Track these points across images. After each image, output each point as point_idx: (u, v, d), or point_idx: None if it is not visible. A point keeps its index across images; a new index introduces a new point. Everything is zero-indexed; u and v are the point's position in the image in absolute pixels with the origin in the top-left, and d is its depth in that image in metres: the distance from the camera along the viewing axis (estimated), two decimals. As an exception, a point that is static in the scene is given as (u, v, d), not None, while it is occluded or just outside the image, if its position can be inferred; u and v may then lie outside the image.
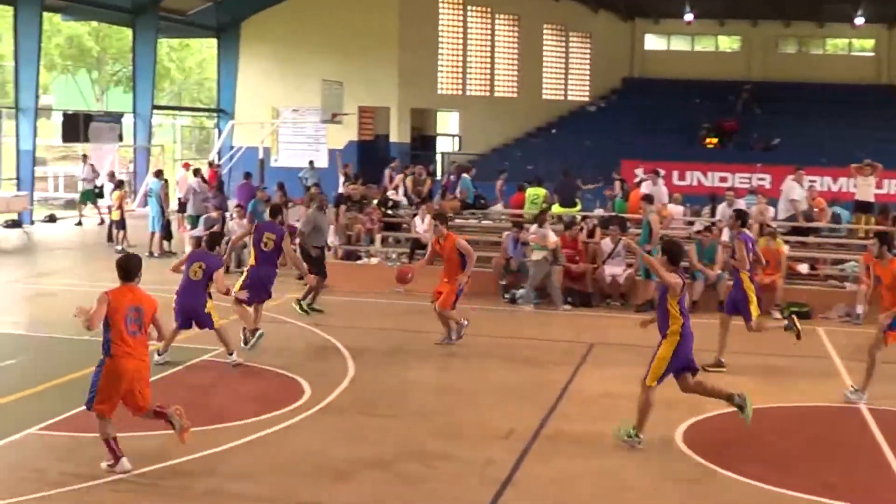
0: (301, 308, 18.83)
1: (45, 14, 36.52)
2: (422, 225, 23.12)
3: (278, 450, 11.27)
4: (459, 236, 17.01)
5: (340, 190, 28.64)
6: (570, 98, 51.15)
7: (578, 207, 26.47)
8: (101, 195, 34.22)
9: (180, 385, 14.07)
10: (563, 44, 50.97)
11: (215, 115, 47.50)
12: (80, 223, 34.38)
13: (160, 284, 20.69)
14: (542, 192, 26.44)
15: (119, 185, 28.91)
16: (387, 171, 31.45)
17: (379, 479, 10.43)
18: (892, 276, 13.61)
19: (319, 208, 20.63)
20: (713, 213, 24.70)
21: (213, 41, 47.10)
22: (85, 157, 34.95)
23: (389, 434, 11.90)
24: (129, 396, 10.35)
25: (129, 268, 10.59)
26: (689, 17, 47.65)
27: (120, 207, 27.59)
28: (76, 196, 38.29)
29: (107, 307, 10.20)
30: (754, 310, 15.25)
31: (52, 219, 35.60)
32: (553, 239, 20.87)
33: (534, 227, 21.42)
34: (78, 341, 16.13)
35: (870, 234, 20.96)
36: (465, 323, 16.86)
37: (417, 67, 42.97)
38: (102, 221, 33.57)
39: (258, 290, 16.19)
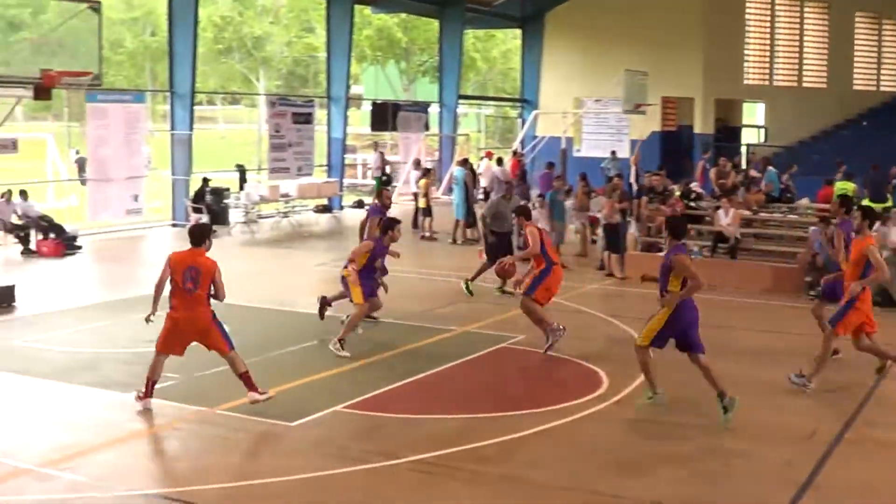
0: (467, 289, 19.40)
1: (357, 7, 37.72)
2: (725, 218, 22.62)
3: (574, 439, 11.28)
4: (536, 228, 15.73)
5: (631, 180, 28.47)
6: (882, 89, 48.86)
7: (889, 203, 25.30)
8: (388, 183, 35.15)
9: (482, 370, 14.29)
10: (877, 32, 48.74)
11: (519, 104, 48.03)
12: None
13: (459, 271, 21.24)
14: (850, 186, 25.45)
15: (426, 173, 29.52)
16: (699, 163, 30.94)
17: (676, 475, 10.26)
18: (860, 252, 13.13)
19: (504, 197, 21.04)
20: None
21: (518, 32, 47.65)
22: (376, 144, 35.64)
23: (687, 430, 11.69)
24: (202, 342, 11.82)
25: (195, 234, 11.90)
26: None
27: (426, 195, 28.15)
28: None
29: (167, 266, 11.72)
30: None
31: (360, 204, 36.71)
32: (896, 238, 19.95)
33: (877, 226, 20.59)
34: (383, 323, 16.68)
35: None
36: (562, 330, 15.24)
37: (722, 57, 42.08)
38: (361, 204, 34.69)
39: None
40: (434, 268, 22.78)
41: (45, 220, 24.44)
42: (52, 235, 23.98)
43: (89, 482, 9.64)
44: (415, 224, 29.25)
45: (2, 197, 24.56)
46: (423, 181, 28.65)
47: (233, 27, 63.01)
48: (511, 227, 20.37)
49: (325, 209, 32.73)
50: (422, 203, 28.29)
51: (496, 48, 66.80)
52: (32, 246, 23.80)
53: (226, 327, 11.84)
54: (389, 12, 50.45)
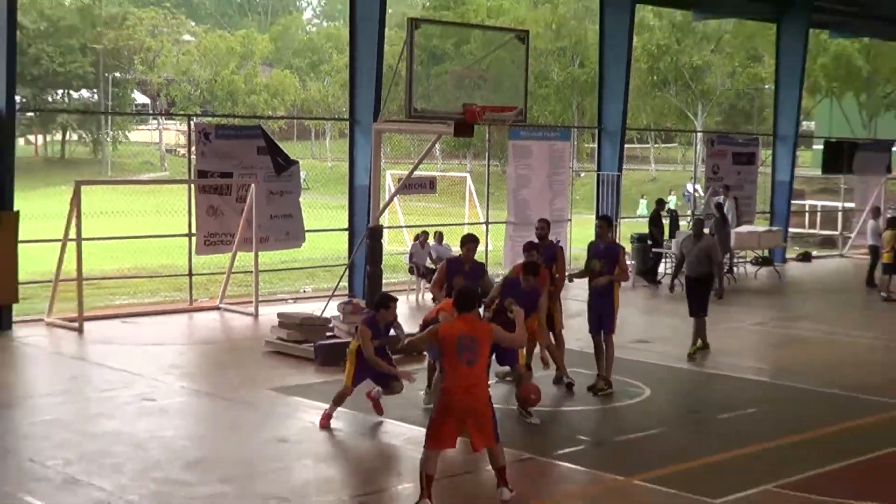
0: None
1: (812, 31, 37.04)
2: None
3: None
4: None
5: None
6: None
7: None
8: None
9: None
10: None
11: None
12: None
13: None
14: None
15: (892, 223, 27.14)
16: None
17: None
18: None
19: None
20: None
21: None
22: (726, 188, 33.44)
23: None
24: None
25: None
26: None
27: (893, 249, 26.57)
28: (834, 233, 39.02)
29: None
30: None
31: (806, 257, 36.05)
32: None
33: None
34: (826, 395, 16.37)
35: None
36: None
37: None
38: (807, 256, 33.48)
39: None
40: (894, 333, 22.11)
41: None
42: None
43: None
44: (870, 282, 28.35)
45: (416, 239, 25.93)
46: (888, 233, 26.78)
47: (670, 57, 63.50)
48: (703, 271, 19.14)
49: (766, 261, 32.18)
50: (885, 258, 26.83)
51: None
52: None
53: None
54: (849, 37, 49.27)
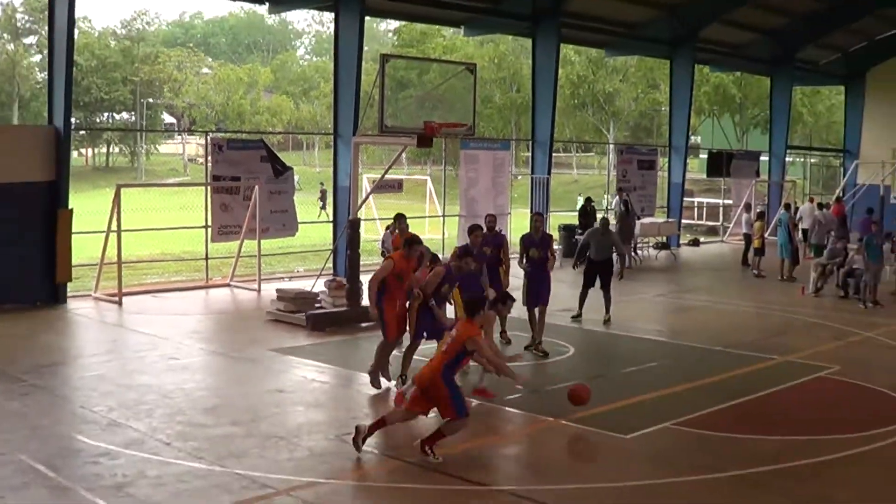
0: None
1: (697, 66, 37.08)
2: None
3: (883, 464, 10.63)
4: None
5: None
6: None
7: None
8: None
9: (799, 397, 13.66)
10: None
11: (841, 154, 46.20)
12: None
13: (786, 305, 20.60)
14: None
15: (760, 216, 28.04)
16: None
17: None
18: None
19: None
20: None
21: (842, 88, 45.89)
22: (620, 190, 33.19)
23: None
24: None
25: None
26: None
27: (761, 236, 27.02)
28: (717, 223, 38.98)
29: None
30: None
31: (695, 243, 36.17)
32: None
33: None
34: (712, 351, 16.32)
35: None
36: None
37: None
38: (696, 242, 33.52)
39: None
40: (763, 302, 22.11)
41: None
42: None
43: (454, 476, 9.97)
44: (745, 261, 28.47)
45: (387, 229, 25.65)
46: (757, 224, 27.22)
47: (587, 84, 63.59)
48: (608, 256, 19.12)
49: (664, 246, 32.25)
50: (756, 243, 26.96)
51: (821, 103, 64.53)
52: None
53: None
54: (726, 71, 49.50)
